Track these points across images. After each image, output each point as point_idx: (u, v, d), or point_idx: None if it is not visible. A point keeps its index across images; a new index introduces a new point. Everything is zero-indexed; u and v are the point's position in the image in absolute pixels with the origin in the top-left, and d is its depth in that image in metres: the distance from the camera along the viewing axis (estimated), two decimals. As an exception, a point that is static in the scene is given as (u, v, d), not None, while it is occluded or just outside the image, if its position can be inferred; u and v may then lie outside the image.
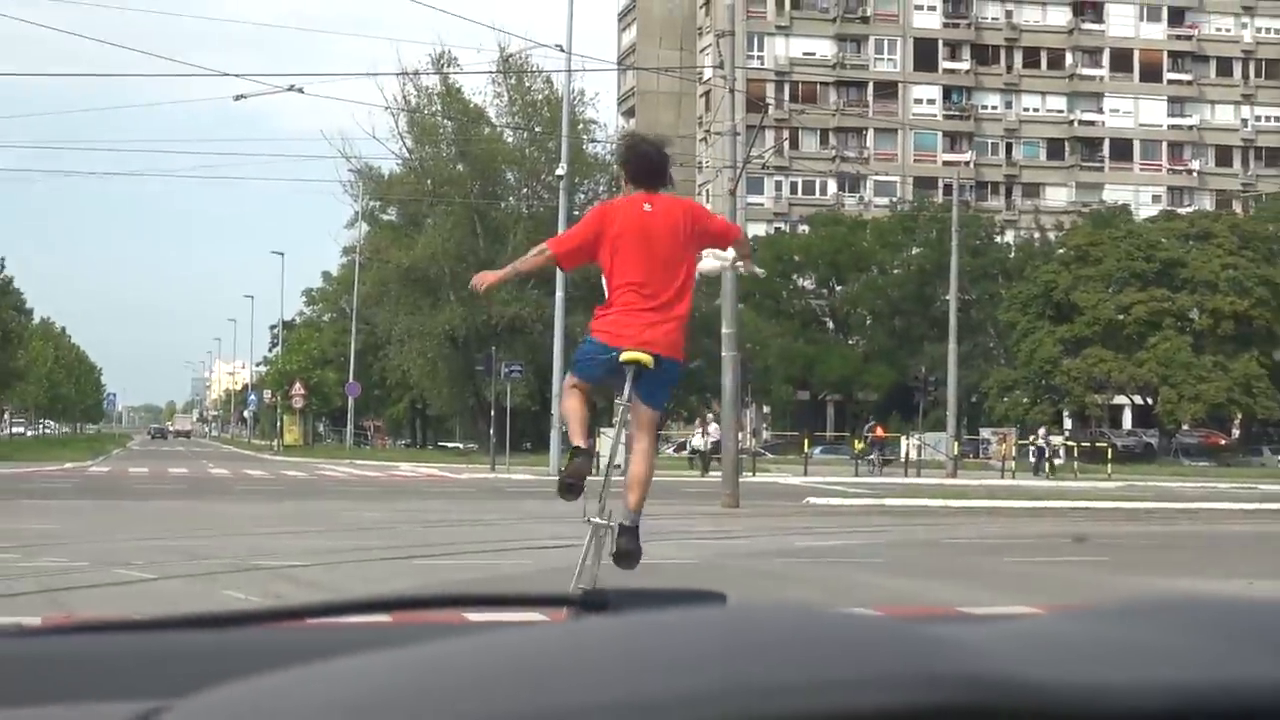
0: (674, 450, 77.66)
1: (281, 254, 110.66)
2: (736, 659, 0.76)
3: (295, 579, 14.02)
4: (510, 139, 78.21)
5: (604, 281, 8.52)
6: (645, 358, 8.28)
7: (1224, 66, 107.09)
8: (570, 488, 8.52)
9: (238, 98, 44.72)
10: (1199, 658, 0.83)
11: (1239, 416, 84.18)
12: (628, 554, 8.45)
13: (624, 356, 8.28)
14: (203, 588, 13.06)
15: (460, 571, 15.15)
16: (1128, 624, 0.92)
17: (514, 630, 0.84)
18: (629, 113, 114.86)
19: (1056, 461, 59.83)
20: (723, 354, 32.00)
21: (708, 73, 73.88)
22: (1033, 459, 60.61)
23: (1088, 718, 0.77)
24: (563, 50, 49.62)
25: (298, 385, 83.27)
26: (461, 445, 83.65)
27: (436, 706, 0.75)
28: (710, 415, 56.98)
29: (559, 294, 49.57)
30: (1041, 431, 64.60)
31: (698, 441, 53.58)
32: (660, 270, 8.38)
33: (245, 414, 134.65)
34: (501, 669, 0.78)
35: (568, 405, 8.84)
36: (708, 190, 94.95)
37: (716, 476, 47.57)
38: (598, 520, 8.43)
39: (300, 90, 42.32)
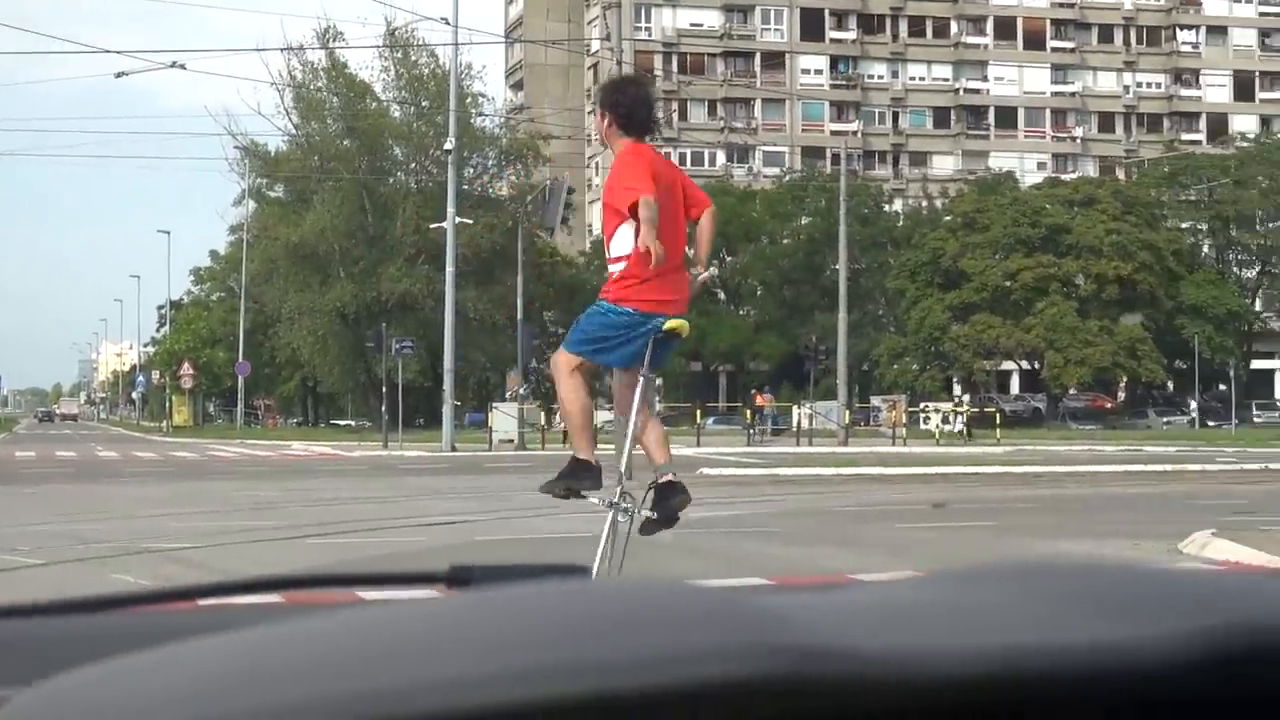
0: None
1: (168, 233, 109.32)
2: (571, 636, 0.77)
3: (186, 561, 13.94)
4: (397, 114, 77.67)
5: (618, 238, 7.74)
6: (685, 325, 7.85)
7: (1105, 34, 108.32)
8: (569, 494, 8.03)
9: (119, 75, 44.29)
10: (1031, 622, 0.85)
11: (1124, 380, 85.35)
12: (671, 504, 7.99)
13: (670, 325, 7.74)
14: (92, 572, 12.94)
15: (355, 550, 15.11)
16: (968, 590, 0.93)
17: (360, 609, 0.84)
18: (517, 85, 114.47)
19: (957, 428, 60.47)
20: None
21: (595, 45, 73.90)
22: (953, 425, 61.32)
23: (911, 683, 0.78)
24: (448, 23, 49.37)
25: (186, 365, 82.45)
26: (354, 423, 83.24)
27: (270, 689, 0.74)
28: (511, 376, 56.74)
29: (449, 269, 49.37)
30: (965, 399, 65.72)
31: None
32: (682, 227, 7.90)
33: (134, 395, 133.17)
34: (335, 649, 0.79)
35: (580, 404, 8.06)
36: (596, 163, 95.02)
37: (561, 450, 47.55)
38: (622, 502, 7.92)
39: (183, 67, 41.95)
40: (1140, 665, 0.81)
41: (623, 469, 7.98)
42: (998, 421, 59.81)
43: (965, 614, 0.87)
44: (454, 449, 46.71)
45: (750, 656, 0.76)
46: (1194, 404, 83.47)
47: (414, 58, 75.75)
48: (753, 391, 72.34)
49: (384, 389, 53.25)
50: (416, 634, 0.80)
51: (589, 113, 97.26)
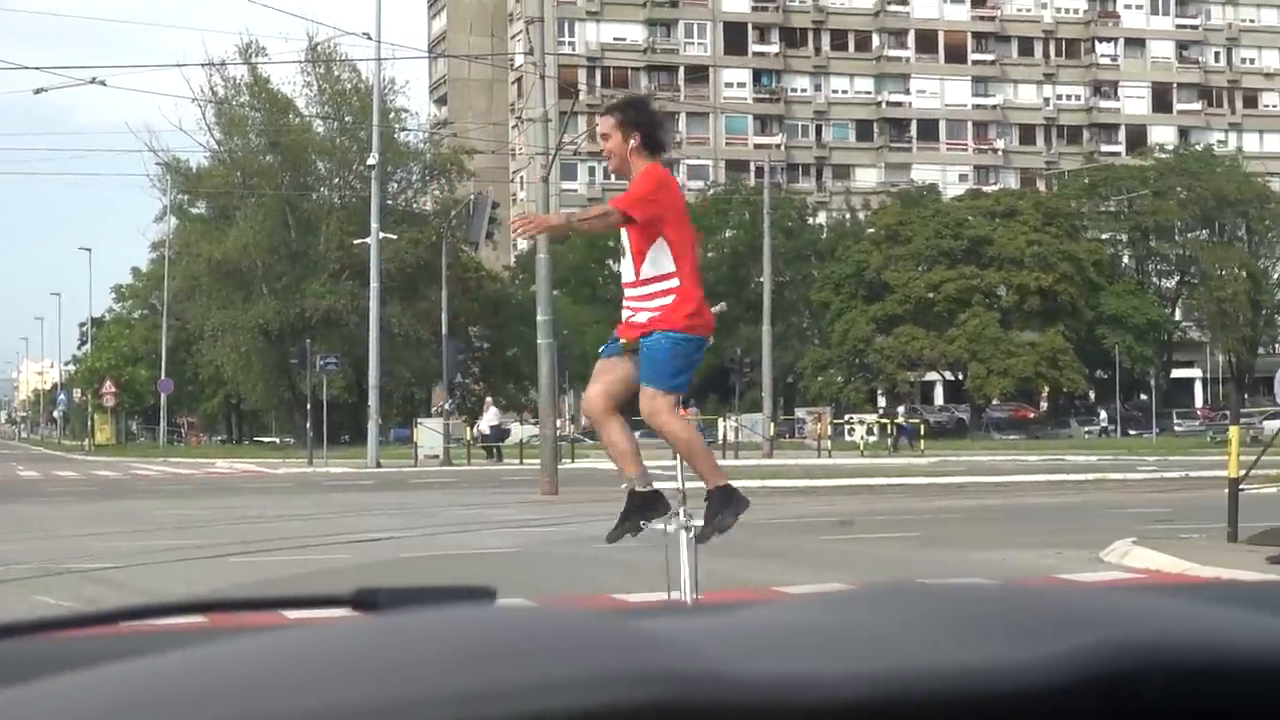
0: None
1: (89, 250, 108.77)
2: (438, 666, 0.78)
3: (109, 582, 13.82)
4: (320, 129, 77.47)
5: (657, 258, 7.75)
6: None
7: (1025, 46, 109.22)
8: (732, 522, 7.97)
9: (38, 91, 43.89)
10: (910, 645, 0.85)
11: (1046, 390, 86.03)
12: (723, 513, 7.98)
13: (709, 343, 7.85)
14: (11, 595, 12.81)
15: (279, 568, 15.03)
16: (852, 612, 0.94)
17: (256, 635, 0.85)
18: (441, 100, 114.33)
19: (901, 441, 61.28)
20: (539, 341, 32.03)
21: (519, 59, 73.79)
22: (895, 437, 62.27)
23: (785, 708, 0.78)
24: (370, 38, 49.26)
25: (108, 383, 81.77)
26: (278, 440, 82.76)
27: (163, 716, 0.75)
28: (488, 400, 56.71)
29: (374, 285, 49.20)
30: (901, 410, 66.33)
31: (482, 424, 53.45)
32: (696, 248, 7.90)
33: (55, 414, 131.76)
34: (228, 676, 0.80)
35: (695, 435, 8.24)
36: (521, 177, 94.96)
37: (511, 464, 47.60)
38: (684, 523, 7.90)
39: (103, 83, 41.63)
40: (1015, 687, 0.81)
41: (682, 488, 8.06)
42: (922, 433, 60.14)
43: (846, 637, 0.87)
44: (379, 465, 46.53)
45: (621, 683, 0.77)
46: (1103, 414, 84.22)
47: (337, 73, 75.59)
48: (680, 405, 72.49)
49: (308, 405, 53.01)
50: (282, 665, 0.80)
51: (512, 126, 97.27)
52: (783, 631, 0.90)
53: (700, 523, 7.95)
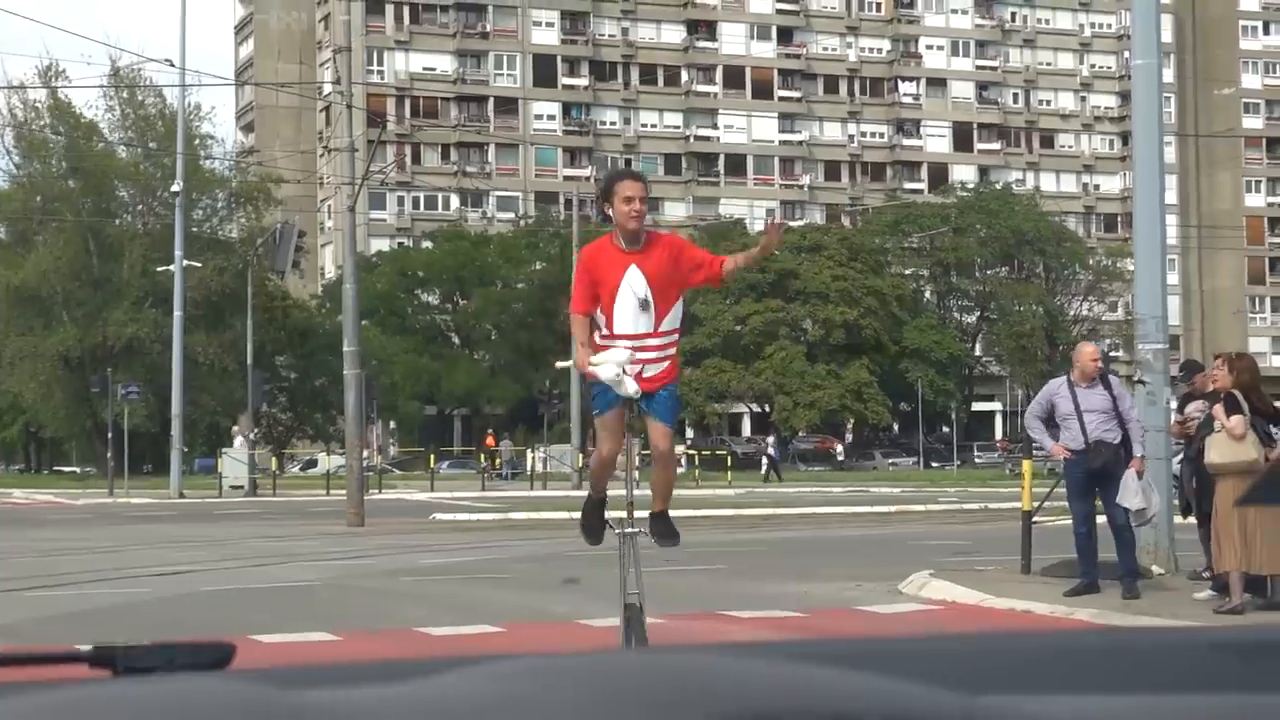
0: (299, 469, 76.74)
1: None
2: None
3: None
4: (124, 154, 76.24)
5: (676, 313, 8.63)
6: None
7: (831, 84, 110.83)
8: None
9: None
10: (573, 717, 0.90)
11: (851, 422, 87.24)
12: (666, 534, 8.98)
13: None
14: None
15: (77, 603, 14.78)
16: (523, 684, 0.98)
17: None
18: (248, 127, 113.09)
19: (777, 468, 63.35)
20: (345, 372, 31.81)
21: (327, 88, 73.35)
22: (764, 465, 64.52)
23: None
24: (173, 65, 48.69)
25: (-100, 412, 79.51)
26: (79, 469, 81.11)
27: None
28: (235, 429, 55.93)
29: (177, 313, 48.53)
30: (770, 440, 67.14)
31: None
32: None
33: None
34: None
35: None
36: (329, 206, 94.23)
37: (292, 495, 47.08)
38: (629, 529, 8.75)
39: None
40: None
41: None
42: (729, 464, 60.66)
43: (513, 710, 0.92)
44: (183, 496, 45.86)
45: None
46: (770, 447, 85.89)
47: (141, 98, 74.46)
48: (489, 434, 72.63)
49: (109, 435, 52.08)
50: None
51: (320, 155, 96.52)
52: (435, 703, 0.94)
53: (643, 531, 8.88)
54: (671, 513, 9.17)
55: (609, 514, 9.15)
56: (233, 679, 0.98)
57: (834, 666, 1.03)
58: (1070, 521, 14.32)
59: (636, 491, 8.90)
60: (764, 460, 65.27)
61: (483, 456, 63.93)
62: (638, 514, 8.90)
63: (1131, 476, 13.63)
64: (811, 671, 0.99)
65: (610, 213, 8.53)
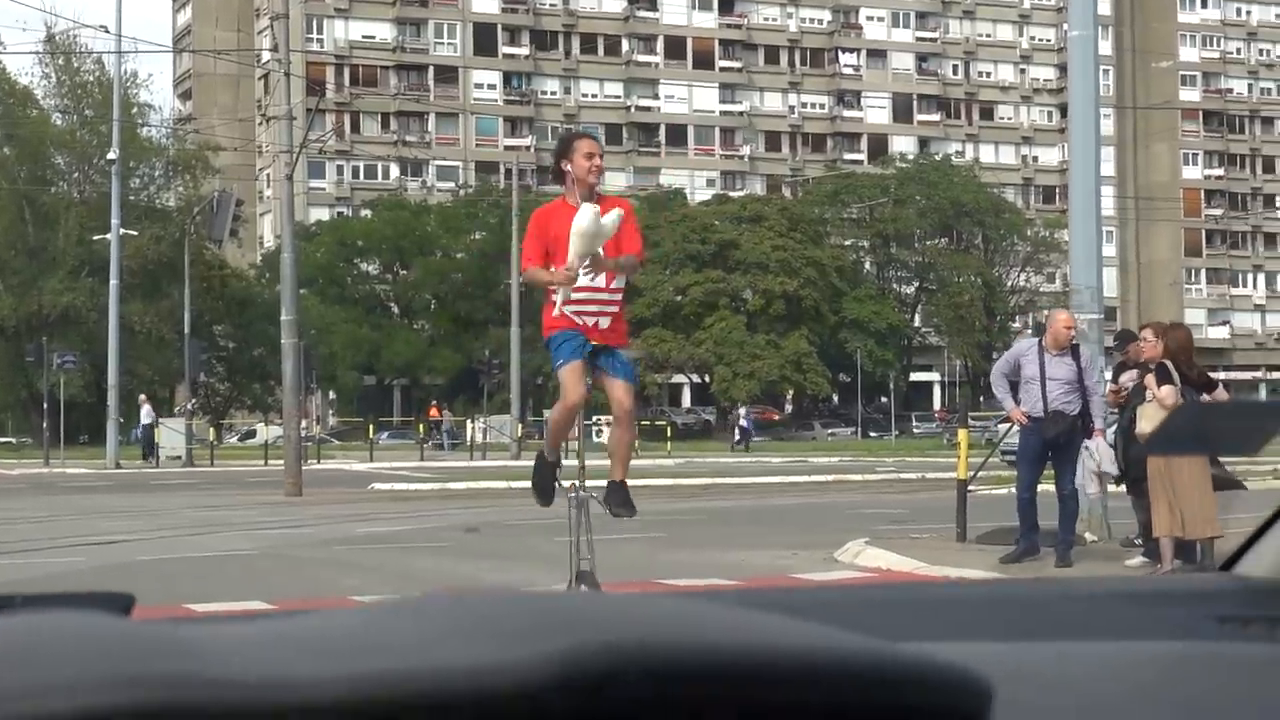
0: (238, 439, 76.44)
1: None
2: None
3: None
4: (60, 122, 75.60)
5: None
6: None
7: (771, 55, 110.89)
8: None
9: None
10: (413, 649, 0.90)
11: (791, 393, 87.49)
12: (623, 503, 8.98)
13: None
14: None
15: (9, 572, 14.69)
16: (382, 619, 0.99)
17: None
18: (186, 95, 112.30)
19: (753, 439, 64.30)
20: (283, 341, 31.67)
21: (265, 56, 72.90)
22: (736, 435, 65.71)
23: (265, 708, 0.83)
24: (110, 32, 48.27)
25: None
26: (14, 440, 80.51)
27: None
28: (143, 397, 55.43)
29: (114, 282, 48.20)
30: (742, 411, 67.62)
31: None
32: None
33: None
34: None
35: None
36: (267, 175, 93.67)
37: (230, 466, 46.89)
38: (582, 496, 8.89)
39: None
40: (491, 687, 0.85)
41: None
42: (669, 435, 60.74)
43: (357, 642, 0.93)
44: (119, 466, 45.59)
45: (108, 687, 0.81)
46: (744, 417, 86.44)
47: (77, 65, 73.80)
48: (433, 404, 72.71)
49: (45, 404, 51.70)
50: None
51: (258, 123, 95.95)
52: (298, 637, 0.94)
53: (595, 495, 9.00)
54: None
55: (561, 480, 9.21)
56: (108, 617, 0.97)
57: (722, 608, 1.03)
58: (1015, 488, 14.36)
59: (593, 461, 9.01)
60: (736, 431, 66.34)
61: (424, 427, 63.80)
62: (592, 483, 8.96)
63: (1102, 444, 13.70)
64: (697, 608, 1.00)
65: (569, 168, 8.81)
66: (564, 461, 9.46)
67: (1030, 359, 13.96)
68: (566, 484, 9.09)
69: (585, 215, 8.41)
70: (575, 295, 8.68)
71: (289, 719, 0.83)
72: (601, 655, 0.87)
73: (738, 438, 65.87)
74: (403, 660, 0.88)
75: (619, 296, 8.86)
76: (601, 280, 8.70)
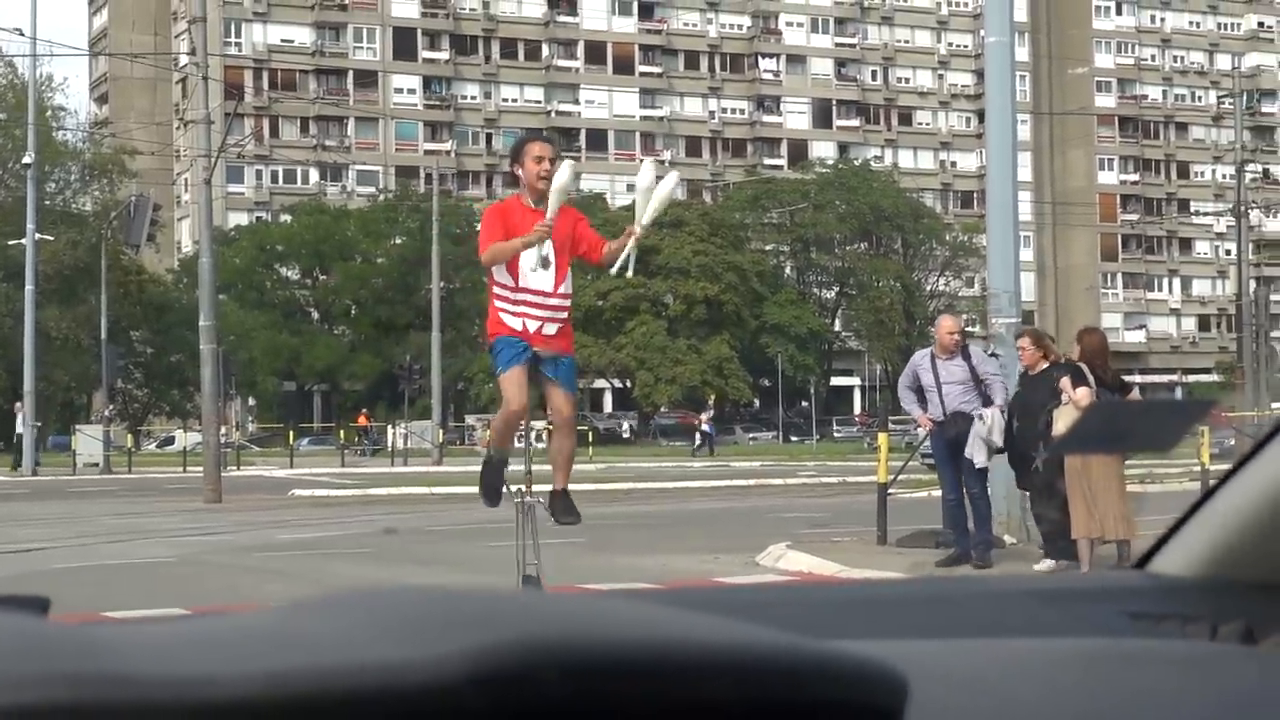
0: (156, 446, 75.82)
1: None
2: None
3: None
4: (-27, 125, 74.79)
5: (569, 279, 8.94)
6: None
7: (692, 60, 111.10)
8: None
9: None
10: (328, 645, 0.91)
11: (713, 398, 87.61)
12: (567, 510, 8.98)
13: None
14: None
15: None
16: (300, 617, 0.99)
17: None
18: (102, 99, 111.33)
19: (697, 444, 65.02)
20: (202, 347, 31.45)
21: (183, 59, 72.34)
22: (697, 440, 65.64)
23: (179, 705, 0.83)
24: (24, 34, 47.79)
25: None
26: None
27: None
28: (19, 405, 54.79)
29: (29, 287, 47.71)
30: (705, 416, 67.74)
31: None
32: None
33: None
34: None
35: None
36: (185, 180, 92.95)
37: (148, 472, 46.51)
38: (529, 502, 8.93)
39: None
40: (405, 683, 0.85)
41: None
42: (591, 439, 60.66)
43: (273, 640, 0.93)
44: (35, 473, 45.13)
45: (19, 685, 0.81)
46: (706, 422, 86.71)
47: (-10, 68, 73.08)
48: (363, 412, 72.73)
49: (-42, 412, 51.13)
50: None
51: (175, 127, 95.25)
52: (215, 635, 0.94)
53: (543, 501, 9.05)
54: (545, 487, 9.21)
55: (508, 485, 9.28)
56: (20, 616, 0.97)
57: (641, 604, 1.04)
58: (940, 492, 14.46)
59: (536, 467, 9.08)
60: (698, 435, 66.35)
61: (355, 436, 63.62)
62: (537, 487, 9.01)
63: (995, 415, 13.77)
64: (613, 605, 1.01)
65: (520, 173, 8.94)
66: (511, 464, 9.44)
67: (925, 368, 14.17)
68: (512, 489, 9.12)
69: (646, 172, 9.04)
70: (522, 298, 8.63)
71: (205, 716, 0.83)
72: (517, 651, 0.87)
73: (699, 442, 65.71)
74: (320, 656, 0.88)
75: (568, 303, 8.84)
76: (549, 284, 8.68)
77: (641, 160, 8.96)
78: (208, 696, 0.83)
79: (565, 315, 8.84)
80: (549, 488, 8.99)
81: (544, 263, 8.64)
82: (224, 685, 0.84)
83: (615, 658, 0.89)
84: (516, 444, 9.41)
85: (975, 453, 13.86)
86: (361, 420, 70.97)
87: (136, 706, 0.82)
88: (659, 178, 9.44)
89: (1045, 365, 13.56)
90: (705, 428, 66.84)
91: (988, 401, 13.85)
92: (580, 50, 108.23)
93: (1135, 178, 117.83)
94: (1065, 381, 12.89)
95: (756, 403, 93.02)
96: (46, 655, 0.85)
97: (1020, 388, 13.71)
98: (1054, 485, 13.11)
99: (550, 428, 9.55)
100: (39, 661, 0.84)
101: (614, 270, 9.27)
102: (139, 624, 1.06)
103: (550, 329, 8.70)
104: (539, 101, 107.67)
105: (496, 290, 8.75)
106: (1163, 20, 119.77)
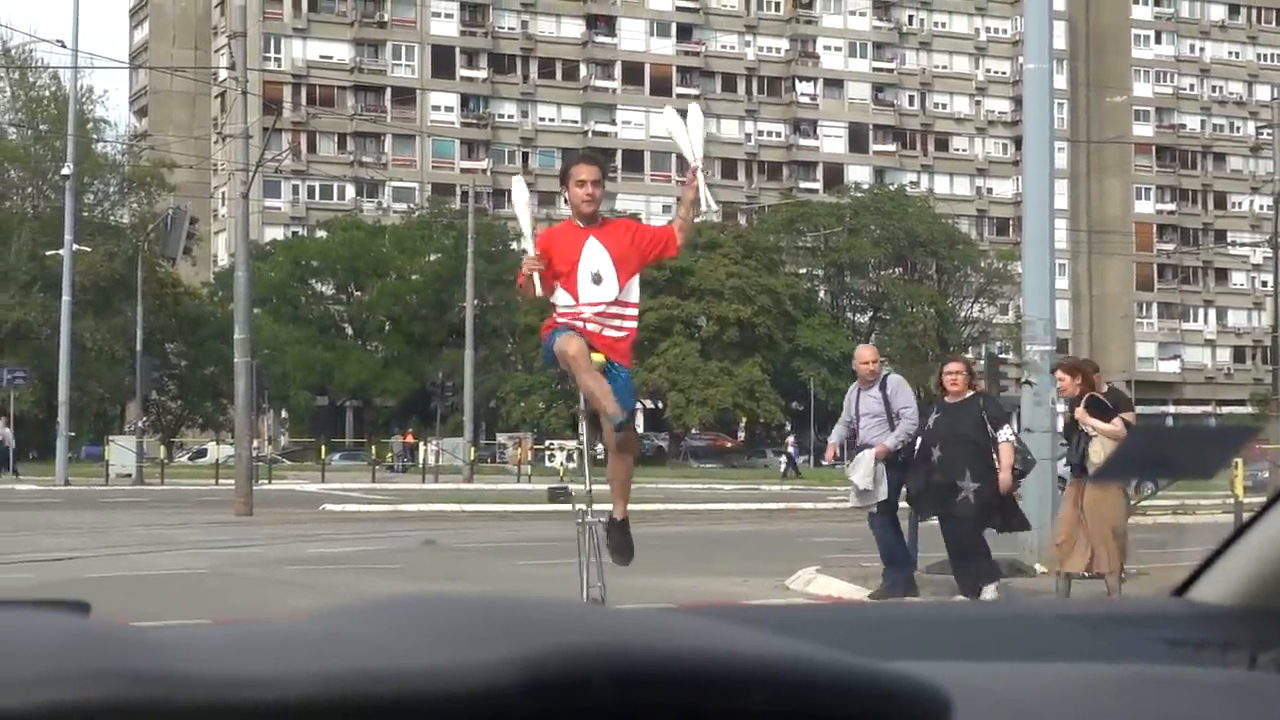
0: (189, 458, 76.05)
1: None
2: None
3: None
4: (14, 136, 75.24)
5: (633, 285, 8.78)
6: None
7: (729, 82, 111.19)
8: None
9: None
10: (380, 650, 0.91)
11: (744, 420, 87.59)
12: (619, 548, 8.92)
13: None
14: None
15: (-44, 587, 14.58)
16: (351, 621, 1.01)
17: None
18: (141, 112, 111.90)
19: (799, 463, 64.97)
20: (236, 360, 31.56)
21: (222, 74, 72.68)
22: (783, 465, 64.80)
23: (235, 705, 0.84)
24: (66, 46, 48.12)
25: None
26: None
27: None
28: (2, 420, 54.86)
29: (65, 298, 47.94)
30: (790, 440, 67.80)
31: None
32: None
33: None
34: None
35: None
36: (223, 193, 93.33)
37: (180, 484, 46.66)
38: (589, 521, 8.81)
39: None
40: (455, 689, 0.86)
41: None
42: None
43: (326, 643, 0.94)
44: (68, 483, 45.32)
45: (75, 682, 0.81)
46: (790, 445, 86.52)
47: (33, 79, 73.51)
48: (408, 431, 73.04)
49: (-6, 420, 51.37)
50: None
51: (214, 141, 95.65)
52: (261, 639, 0.95)
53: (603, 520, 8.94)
54: (572, 508, 9.13)
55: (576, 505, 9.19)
56: (71, 616, 0.99)
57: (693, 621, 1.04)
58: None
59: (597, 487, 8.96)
60: (784, 458, 66.16)
61: (395, 453, 63.87)
62: (598, 507, 8.90)
63: (867, 456, 13.70)
64: (663, 618, 1.01)
65: (566, 195, 8.85)
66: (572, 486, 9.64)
67: (850, 400, 14.25)
68: (576, 508, 9.08)
69: (670, 115, 9.21)
70: (580, 310, 8.51)
71: (258, 716, 0.84)
72: (567, 659, 0.87)
73: (784, 466, 64.90)
74: (370, 661, 0.88)
75: (629, 311, 8.72)
76: (609, 294, 8.56)
77: (690, 107, 9.04)
78: (258, 697, 0.84)
79: (627, 323, 8.73)
80: (608, 509, 8.93)
81: (598, 277, 8.55)
82: (273, 686, 0.85)
83: (665, 669, 0.89)
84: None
85: (860, 499, 13.84)
86: (408, 438, 71.12)
87: (196, 706, 0.82)
88: (681, 112, 9.47)
89: (970, 394, 13.53)
90: (790, 449, 66.71)
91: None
92: (618, 71, 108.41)
93: (1172, 207, 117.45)
94: (1081, 412, 12.81)
95: (788, 425, 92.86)
96: (109, 653, 0.86)
97: (940, 414, 13.56)
98: (986, 517, 13.04)
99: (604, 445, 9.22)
100: (101, 659, 0.84)
101: (702, 209, 9.36)
102: (182, 629, 1.13)
103: (610, 332, 8.62)
104: (575, 121, 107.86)
105: (560, 312, 8.59)
106: (1202, 50, 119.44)
